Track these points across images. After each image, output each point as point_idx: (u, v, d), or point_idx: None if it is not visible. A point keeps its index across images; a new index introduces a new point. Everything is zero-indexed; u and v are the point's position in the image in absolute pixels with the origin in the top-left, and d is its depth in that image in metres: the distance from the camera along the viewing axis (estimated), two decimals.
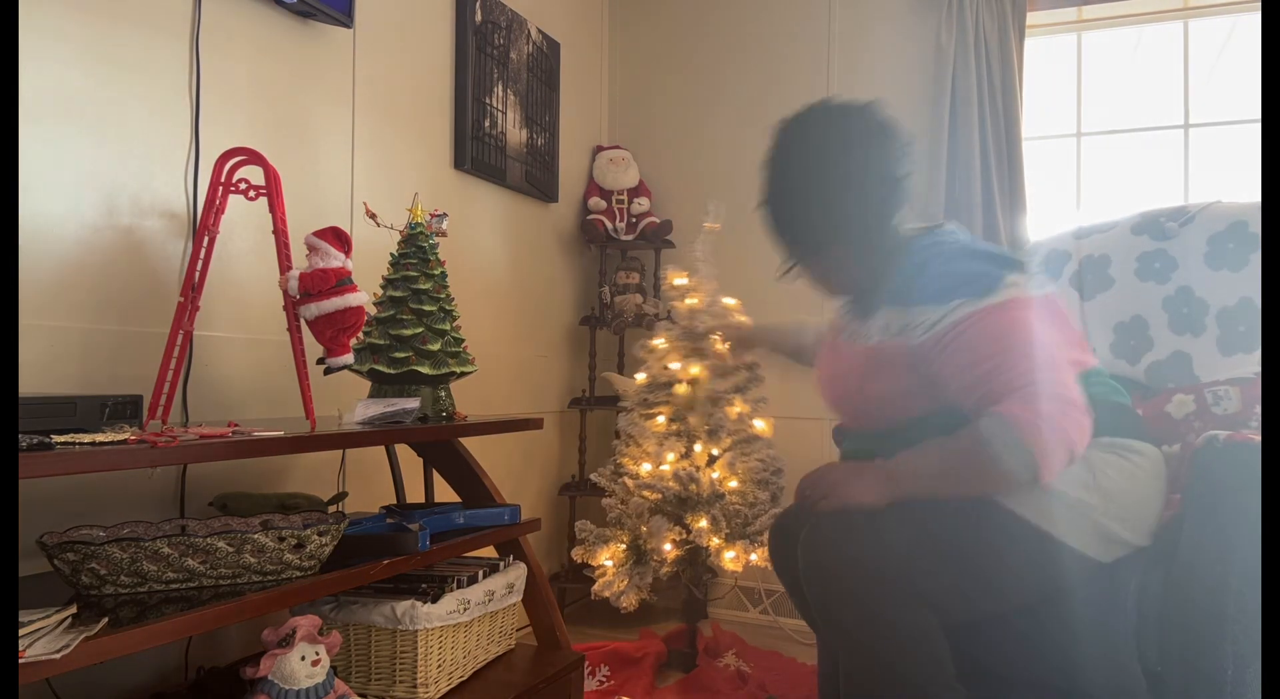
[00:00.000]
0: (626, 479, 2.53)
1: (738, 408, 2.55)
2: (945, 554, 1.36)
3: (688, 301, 2.58)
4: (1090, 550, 1.39)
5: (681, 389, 2.55)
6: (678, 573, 2.51)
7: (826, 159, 1.47)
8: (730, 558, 2.40)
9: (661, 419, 2.59)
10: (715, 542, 2.41)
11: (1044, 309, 1.41)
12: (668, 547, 2.42)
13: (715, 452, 2.52)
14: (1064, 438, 1.30)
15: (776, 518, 1.73)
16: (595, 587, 2.46)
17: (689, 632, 2.63)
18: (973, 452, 1.33)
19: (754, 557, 2.41)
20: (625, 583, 2.42)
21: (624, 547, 2.49)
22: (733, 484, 2.50)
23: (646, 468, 2.53)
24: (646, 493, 2.47)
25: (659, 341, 2.59)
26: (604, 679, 2.42)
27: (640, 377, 2.63)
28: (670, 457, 2.52)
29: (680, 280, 2.63)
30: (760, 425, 2.57)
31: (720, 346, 2.33)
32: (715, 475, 2.48)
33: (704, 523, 2.41)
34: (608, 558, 2.46)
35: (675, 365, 2.56)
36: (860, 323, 1.56)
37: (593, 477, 2.62)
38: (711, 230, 2.63)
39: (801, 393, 3.11)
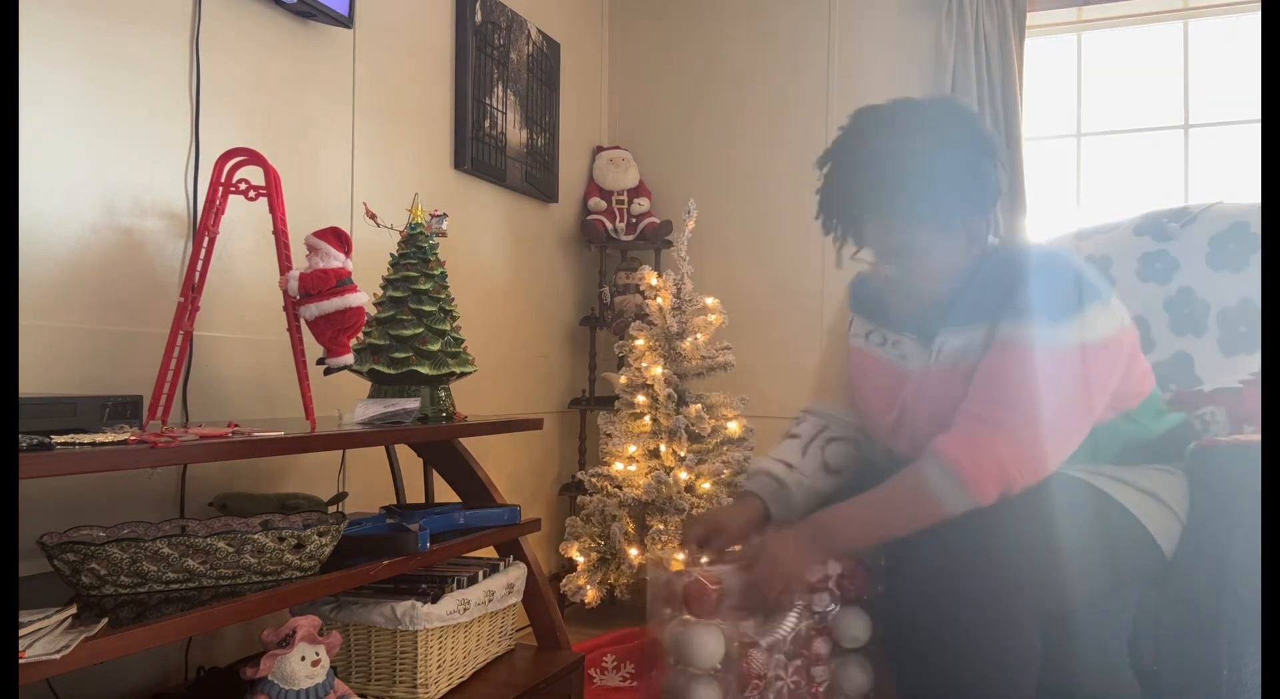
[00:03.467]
0: (593, 477, 2.55)
1: (697, 407, 2.56)
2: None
3: (657, 301, 2.64)
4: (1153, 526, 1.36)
5: (651, 390, 2.60)
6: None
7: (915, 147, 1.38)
8: (679, 558, 2.40)
9: (647, 419, 2.61)
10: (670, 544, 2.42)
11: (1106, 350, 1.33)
12: (634, 551, 2.44)
13: (682, 453, 2.53)
14: (994, 462, 1.27)
15: None
16: (562, 583, 2.48)
17: None
18: (909, 489, 1.31)
19: (703, 561, 2.42)
20: (584, 581, 2.45)
21: (594, 546, 2.51)
22: (706, 486, 2.50)
23: (619, 467, 2.55)
24: (611, 491, 2.50)
25: (640, 342, 2.65)
26: (626, 676, 2.41)
27: (622, 378, 2.67)
28: (631, 450, 2.55)
29: (655, 280, 2.70)
30: (732, 427, 2.58)
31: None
32: (683, 476, 2.49)
33: (659, 524, 2.43)
34: (578, 554, 2.48)
35: (644, 366, 2.61)
36: (945, 337, 1.41)
37: (578, 475, 2.64)
38: (690, 229, 2.69)
39: (786, 393, 3.11)
